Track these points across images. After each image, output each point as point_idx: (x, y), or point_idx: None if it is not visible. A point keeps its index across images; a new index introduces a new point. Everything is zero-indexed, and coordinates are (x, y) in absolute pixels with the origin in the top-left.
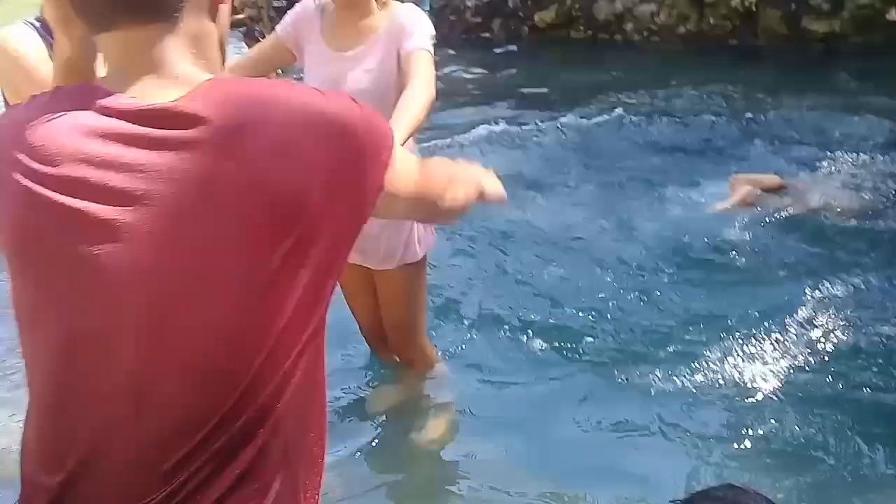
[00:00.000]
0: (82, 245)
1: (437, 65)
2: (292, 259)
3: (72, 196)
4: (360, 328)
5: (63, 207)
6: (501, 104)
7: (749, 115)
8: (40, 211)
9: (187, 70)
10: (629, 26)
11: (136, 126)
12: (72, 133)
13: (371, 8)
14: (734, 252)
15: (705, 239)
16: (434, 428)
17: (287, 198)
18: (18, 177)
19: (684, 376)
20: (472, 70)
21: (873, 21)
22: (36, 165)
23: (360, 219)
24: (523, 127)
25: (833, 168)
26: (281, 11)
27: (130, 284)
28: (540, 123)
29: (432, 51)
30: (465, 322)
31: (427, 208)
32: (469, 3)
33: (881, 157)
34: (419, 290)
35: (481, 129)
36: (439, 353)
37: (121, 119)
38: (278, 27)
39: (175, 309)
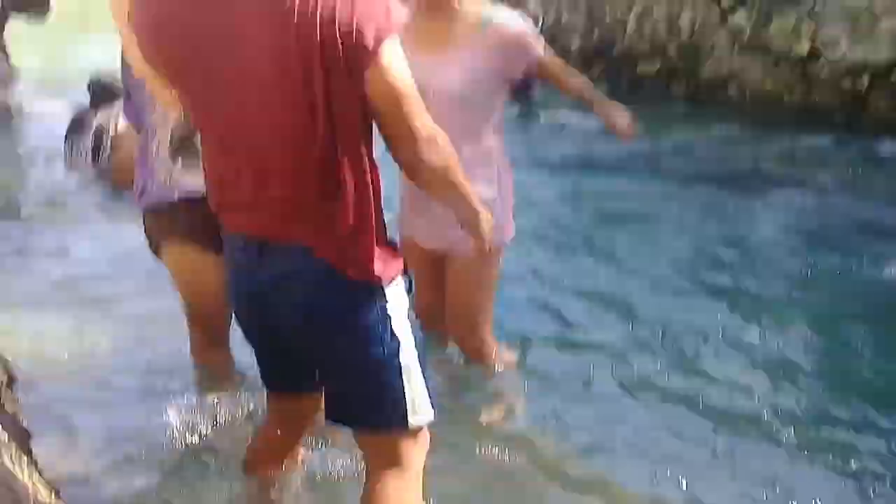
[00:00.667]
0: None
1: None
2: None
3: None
4: (421, 316)
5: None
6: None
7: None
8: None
9: None
10: (732, 88)
11: None
12: None
13: (457, 12)
14: None
15: None
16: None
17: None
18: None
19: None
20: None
21: None
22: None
23: (357, 78)
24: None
25: None
26: None
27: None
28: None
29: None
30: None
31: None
32: (573, 46)
33: None
34: (489, 278)
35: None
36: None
37: None
38: None
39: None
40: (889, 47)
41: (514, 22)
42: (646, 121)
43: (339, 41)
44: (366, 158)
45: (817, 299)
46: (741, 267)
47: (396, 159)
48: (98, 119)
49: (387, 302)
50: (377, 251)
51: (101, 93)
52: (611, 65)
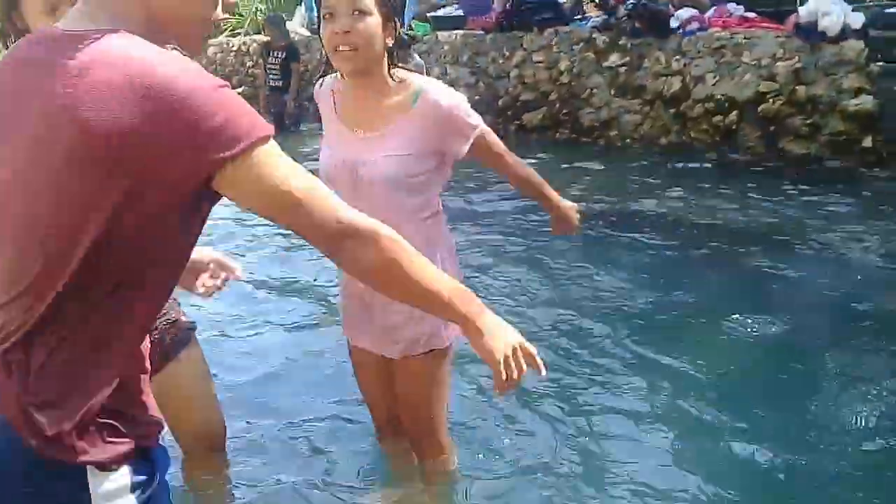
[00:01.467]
0: None
1: None
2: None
3: None
4: (372, 418)
5: None
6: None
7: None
8: None
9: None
10: (613, 133)
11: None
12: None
13: (386, 82)
14: None
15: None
16: None
17: (97, 134)
18: None
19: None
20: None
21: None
22: None
23: (179, 195)
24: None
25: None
26: (276, 91)
27: None
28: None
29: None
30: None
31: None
32: None
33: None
34: (443, 380)
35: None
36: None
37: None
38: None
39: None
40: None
41: (448, 95)
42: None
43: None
44: (126, 305)
45: None
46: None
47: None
48: None
49: (89, 494)
50: (95, 424)
51: None
52: (497, 116)
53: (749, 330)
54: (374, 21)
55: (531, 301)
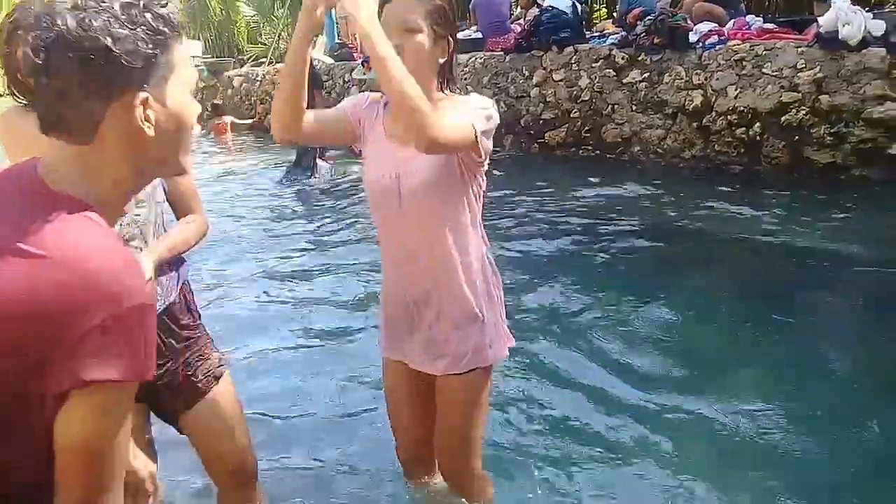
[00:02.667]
0: None
1: None
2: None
3: None
4: (396, 444)
5: None
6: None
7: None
8: None
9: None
10: (636, 148)
11: None
12: None
13: (434, 100)
14: None
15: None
16: None
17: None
18: None
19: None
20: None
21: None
22: None
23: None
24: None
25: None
26: None
27: None
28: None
29: (479, 125)
30: None
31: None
32: None
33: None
34: (482, 402)
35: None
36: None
37: None
38: (343, 103)
39: None
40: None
41: (479, 97)
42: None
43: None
44: None
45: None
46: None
47: None
48: None
49: None
50: None
51: None
52: (520, 135)
53: (778, 345)
54: (425, 39)
55: (565, 321)
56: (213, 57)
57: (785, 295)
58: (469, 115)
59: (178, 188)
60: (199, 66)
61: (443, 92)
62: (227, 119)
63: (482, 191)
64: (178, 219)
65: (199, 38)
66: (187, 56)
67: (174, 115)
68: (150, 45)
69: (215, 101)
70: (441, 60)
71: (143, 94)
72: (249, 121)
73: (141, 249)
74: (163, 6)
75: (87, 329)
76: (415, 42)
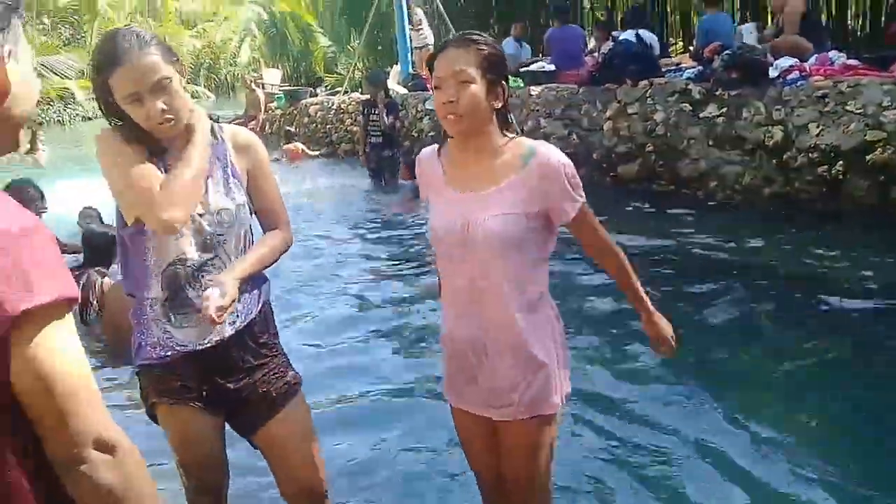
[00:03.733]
0: None
1: None
2: None
3: None
4: (478, 482)
5: None
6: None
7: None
8: None
9: None
10: (713, 184)
11: None
12: None
13: (495, 143)
14: None
15: None
16: None
17: None
18: None
19: None
20: None
21: None
22: None
23: None
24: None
25: None
26: (376, 147)
27: None
28: None
29: (581, 195)
30: None
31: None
32: None
33: None
34: (548, 444)
35: None
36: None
37: None
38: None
39: None
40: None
41: (559, 154)
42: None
43: None
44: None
45: None
46: None
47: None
48: (85, 277)
49: None
50: None
51: (94, 252)
52: (592, 168)
53: (859, 393)
54: (478, 89)
55: (631, 361)
56: (290, 86)
57: (867, 339)
58: (576, 191)
59: (264, 199)
60: (277, 94)
61: (503, 135)
62: (299, 145)
63: (553, 235)
64: (263, 231)
65: (278, 68)
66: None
67: (26, 79)
68: (7, 1)
69: (288, 128)
70: (497, 105)
71: (7, 47)
72: (317, 153)
73: (222, 266)
74: None
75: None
76: (469, 93)
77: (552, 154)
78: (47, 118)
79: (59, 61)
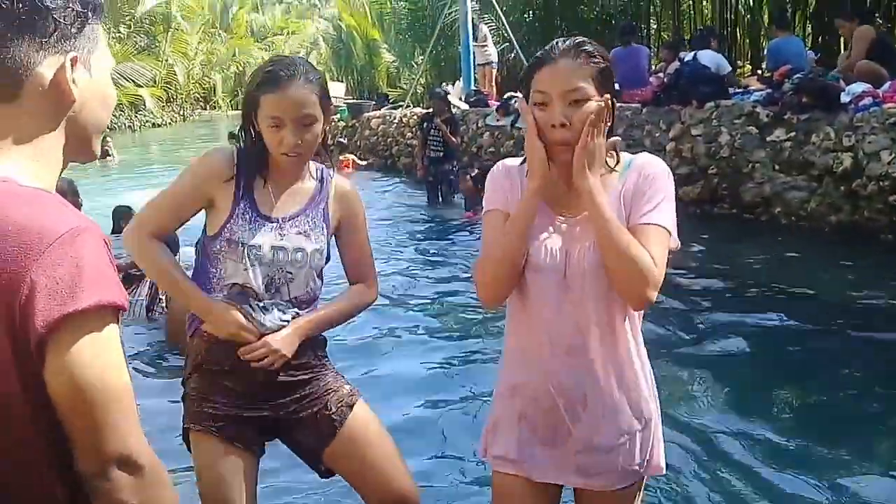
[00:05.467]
0: None
1: None
2: None
3: None
4: None
5: None
6: None
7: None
8: None
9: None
10: (777, 209)
11: None
12: None
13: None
14: None
15: None
16: None
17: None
18: None
19: None
20: None
21: None
22: None
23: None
24: None
25: None
26: (436, 161)
27: None
28: None
29: (672, 228)
30: None
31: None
32: None
33: None
34: None
35: None
36: None
37: None
38: (492, 197)
39: None
40: None
41: (659, 161)
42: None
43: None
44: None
45: None
46: None
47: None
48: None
49: None
50: None
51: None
52: None
53: None
54: (594, 105)
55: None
56: (353, 98)
57: None
58: (665, 211)
59: (353, 252)
60: (340, 106)
61: (610, 151)
62: (350, 156)
63: None
64: (349, 283)
65: (342, 81)
66: (106, 45)
67: (99, 87)
68: (80, 6)
69: (339, 140)
70: (609, 123)
71: (72, 54)
72: (364, 162)
73: (283, 302)
74: None
75: (31, 284)
76: (585, 113)
77: (652, 160)
78: (119, 124)
79: (133, 69)
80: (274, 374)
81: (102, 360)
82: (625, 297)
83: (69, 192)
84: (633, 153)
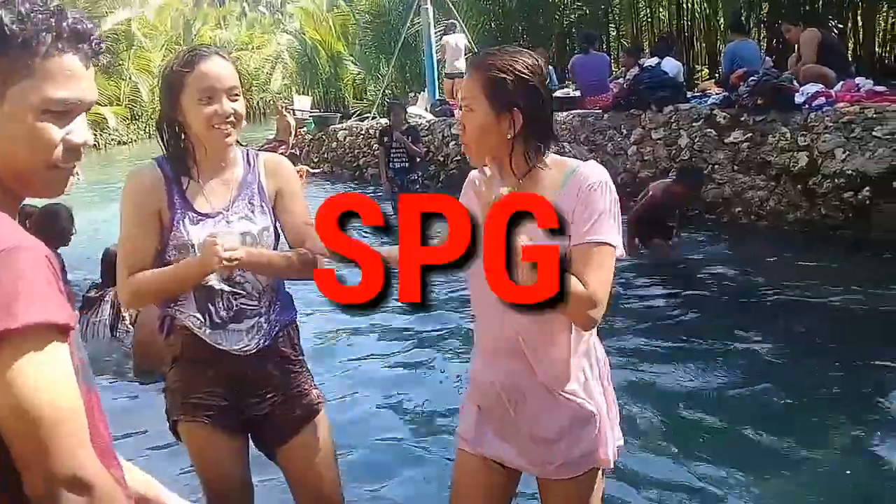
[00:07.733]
0: None
1: None
2: None
3: None
4: None
5: None
6: None
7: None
8: None
9: None
10: (737, 209)
11: None
12: None
13: (538, 171)
14: None
15: None
16: None
17: None
18: None
19: None
20: None
21: None
22: None
23: None
24: None
25: None
26: (401, 171)
27: None
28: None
29: (615, 241)
30: None
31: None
32: None
33: None
34: (596, 500)
35: None
36: None
37: None
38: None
39: None
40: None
41: (598, 173)
42: None
43: None
44: None
45: None
46: None
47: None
48: (111, 294)
49: None
50: None
51: (111, 270)
52: (616, 193)
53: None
54: (481, 116)
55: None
56: (320, 111)
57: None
58: (605, 226)
59: (293, 214)
60: (306, 119)
61: (527, 162)
62: (303, 167)
63: None
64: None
65: (308, 94)
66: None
67: (14, 123)
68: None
69: (292, 152)
70: (509, 136)
71: None
72: (318, 171)
73: (249, 287)
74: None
75: None
76: (471, 120)
77: (593, 170)
78: None
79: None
80: (254, 362)
81: (46, 379)
82: (570, 321)
83: (64, 219)
84: (596, 158)
